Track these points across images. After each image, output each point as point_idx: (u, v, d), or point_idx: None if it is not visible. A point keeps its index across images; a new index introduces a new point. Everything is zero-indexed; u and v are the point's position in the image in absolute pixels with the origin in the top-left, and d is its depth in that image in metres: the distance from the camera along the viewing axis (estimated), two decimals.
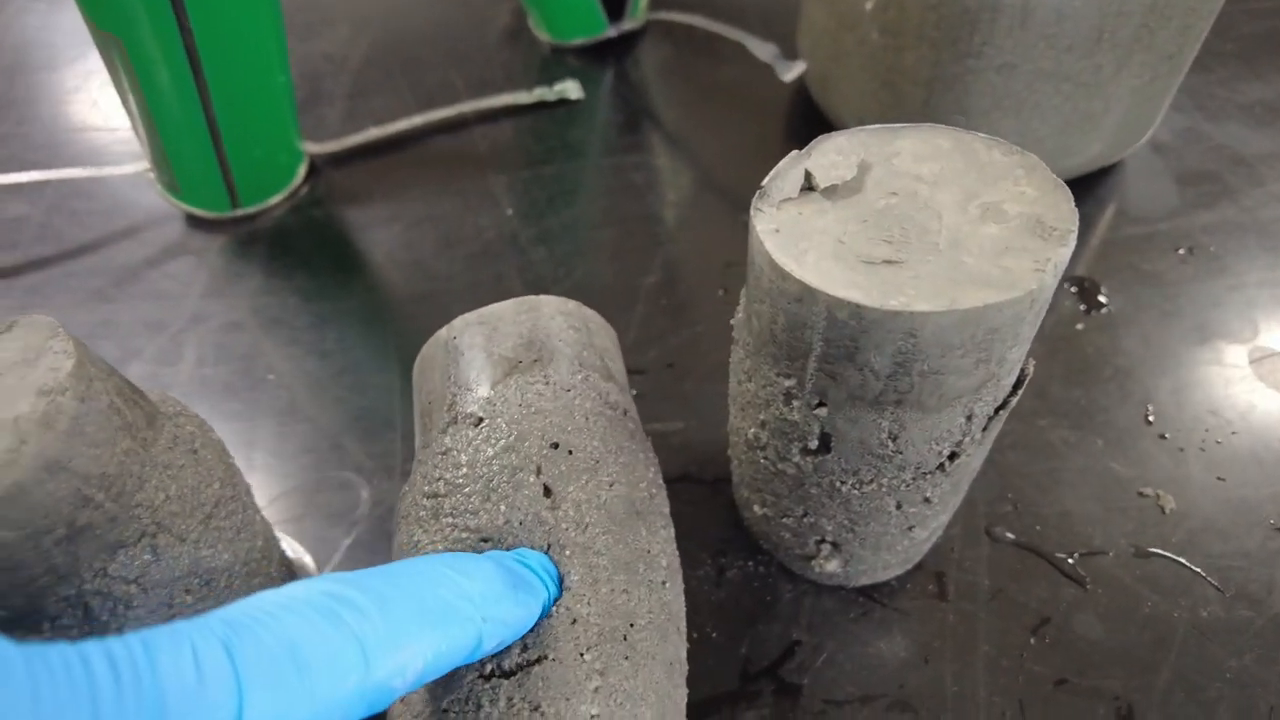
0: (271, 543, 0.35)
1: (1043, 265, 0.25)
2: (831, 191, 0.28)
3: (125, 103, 0.50)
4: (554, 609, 0.27)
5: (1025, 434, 0.43)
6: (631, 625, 0.28)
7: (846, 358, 0.26)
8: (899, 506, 0.32)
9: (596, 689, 0.26)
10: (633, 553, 0.30)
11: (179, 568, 0.29)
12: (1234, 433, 0.42)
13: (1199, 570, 0.38)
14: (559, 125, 0.60)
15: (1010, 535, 0.39)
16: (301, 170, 0.57)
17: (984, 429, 0.29)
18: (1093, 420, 0.43)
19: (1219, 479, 0.41)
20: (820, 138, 0.30)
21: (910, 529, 0.33)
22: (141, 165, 0.55)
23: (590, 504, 0.30)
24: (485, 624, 0.24)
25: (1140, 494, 0.40)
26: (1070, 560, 0.38)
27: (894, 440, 0.28)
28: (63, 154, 0.61)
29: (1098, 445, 0.42)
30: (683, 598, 0.32)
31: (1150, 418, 0.43)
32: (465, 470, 0.31)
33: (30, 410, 0.25)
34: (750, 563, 0.39)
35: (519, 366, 0.34)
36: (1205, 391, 0.44)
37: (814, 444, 0.30)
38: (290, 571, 0.37)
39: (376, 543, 0.40)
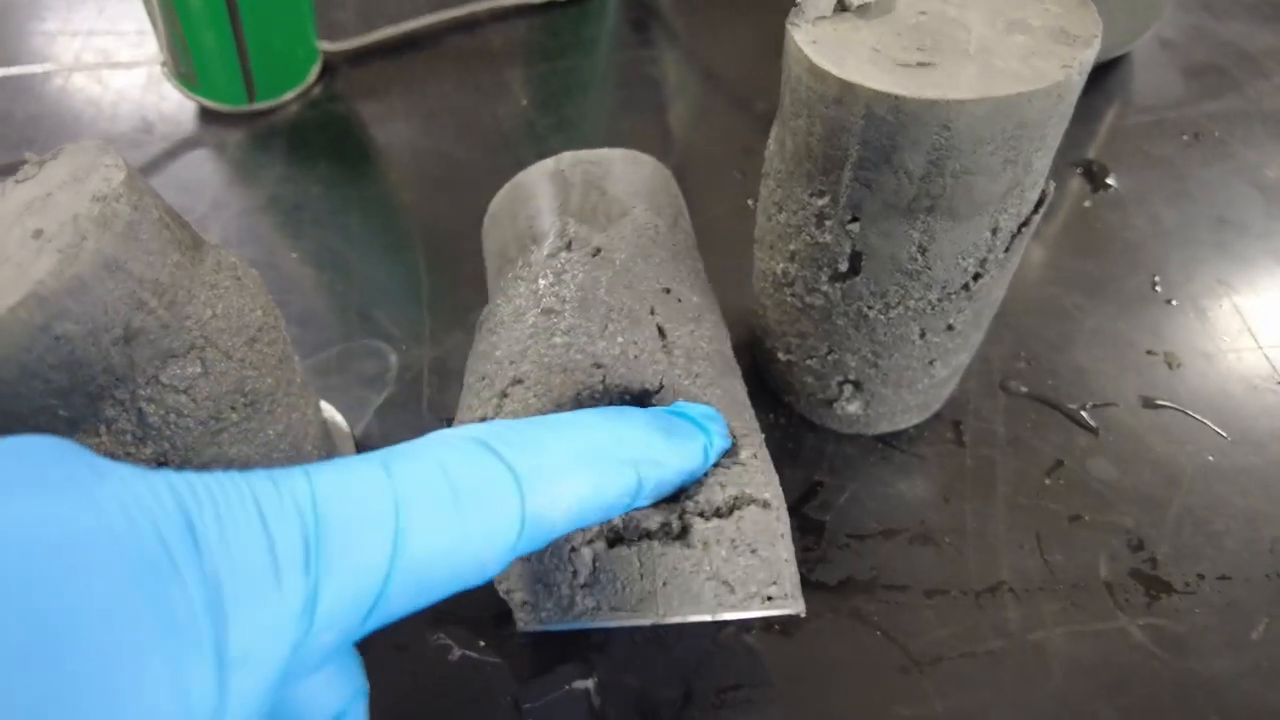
0: (308, 387, 0.36)
1: (1069, 63, 0.26)
2: (864, 10, 0.29)
3: None
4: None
5: (1038, 299, 0.44)
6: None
7: (883, 160, 0.27)
8: (922, 335, 0.33)
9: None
10: (737, 406, 0.30)
11: (226, 383, 0.30)
12: (1238, 298, 0.43)
13: (1205, 420, 0.39)
14: (572, 22, 0.60)
15: (1024, 389, 0.40)
16: (316, 68, 0.58)
17: (1007, 248, 0.30)
18: (1103, 288, 0.44)
19: (1223, 339, 0.42)
20: None
21: (931, 363, 0.34)
22: (153, 64, 0.55)
23: (697, 353, 0.30)
24: (641, 466, 0.24)
25: (1149, 353, 0.42)
26: (1083, 411, 0.40)
27: (923, 254, 0.29)
28: (73, 55, 0.61)
29: (1108, 310, 0.43)
30: None
31: (1158, 286, 0.44)
32: (585, 294, 0.31)
33: (88, 211, 0.26)
34: (772, 414, 0.40)
35: (631, 212, 0.34)
36: (1211, 263, 0.45)
37: (844, 266, 0.31)
38: (324, 429, 0.38)
39: (408, 402, 0.41)
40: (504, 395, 0.30)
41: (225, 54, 0.52)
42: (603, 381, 0.29)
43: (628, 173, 0.36)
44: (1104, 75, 0.55)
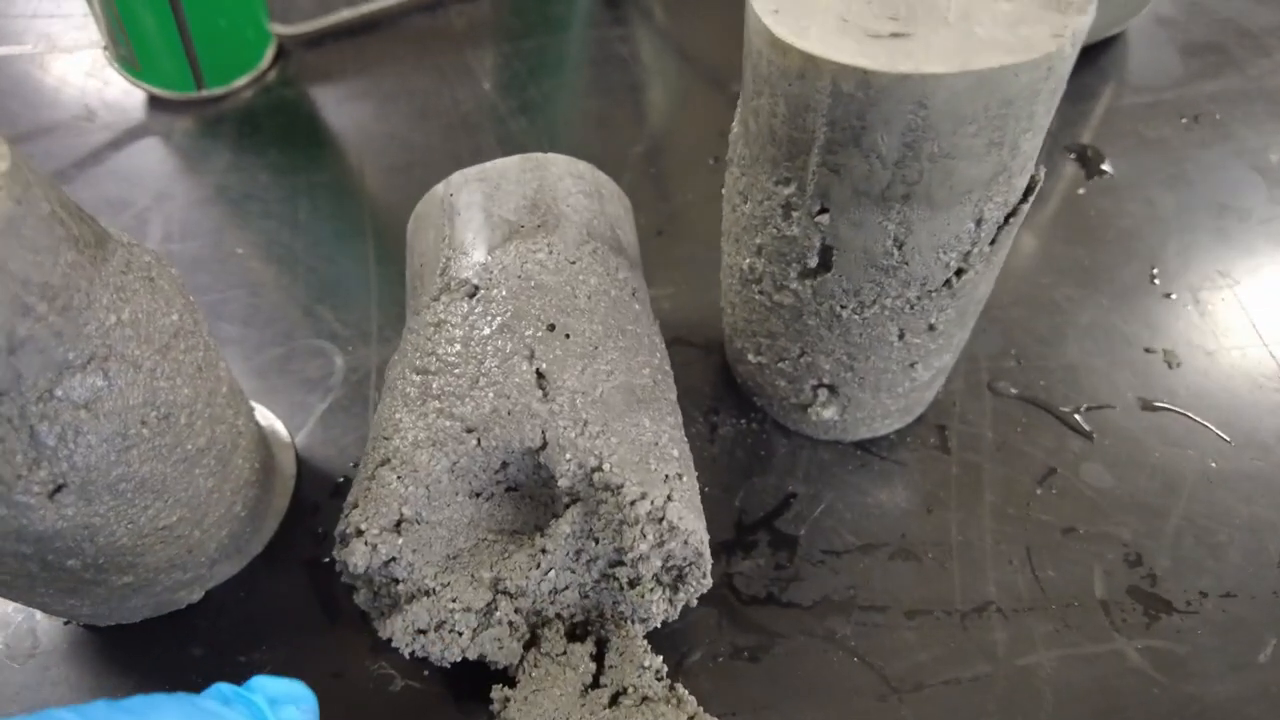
0: (240, 394, 0.33)
1: (1060, 32, 0.23)
2: None
3: None
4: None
5: (1028, 291, 0.41)
6: None
7: (852, 142, 0.24)
8: (901, 336, 0.30)
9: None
10: (640, 449, 0.28)
11: (134, 396, 0.27)
12: (1241, 290, 0.41)
13: (1206, 423, 0.37)
14: (539, 2, 0.57)
15: (1014, 390, 0.38)
16: (269, 53, 0.54)
17: (992, 241, 0.27)
18: (1096, 279, 0.41)
19: (1226, 335, 0.39)
20: None
21: (912, 365, 0.32)
22: (96, 47, 0.52)
23: (587, 396, 0.28)
24: None
25: (1147, 350, 0.39)
26: (1076, 414, 0.37)
27: (900, 248, 0.26)
28: (13, 38, 0.58)
29: (1102, 303, 0.41)
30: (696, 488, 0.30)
31: (1156, 278, 0.42)
32: (459, 348, 0.29)
33: None
34: (743, 420, 0.37)
35: (520, 231, 0.31)
36: (1212, 252, 0.42)
37: (813, 262, 0.28)
38: (261, 439, 0.35)
39: (353, 406, 0.38)
40: (372, 478, 0.28)
41: (167, 37, 0.49)
42: (479, 445, 0.27)
43: (521, 185, 0.33)
44: (1098, 54, 0.52)
